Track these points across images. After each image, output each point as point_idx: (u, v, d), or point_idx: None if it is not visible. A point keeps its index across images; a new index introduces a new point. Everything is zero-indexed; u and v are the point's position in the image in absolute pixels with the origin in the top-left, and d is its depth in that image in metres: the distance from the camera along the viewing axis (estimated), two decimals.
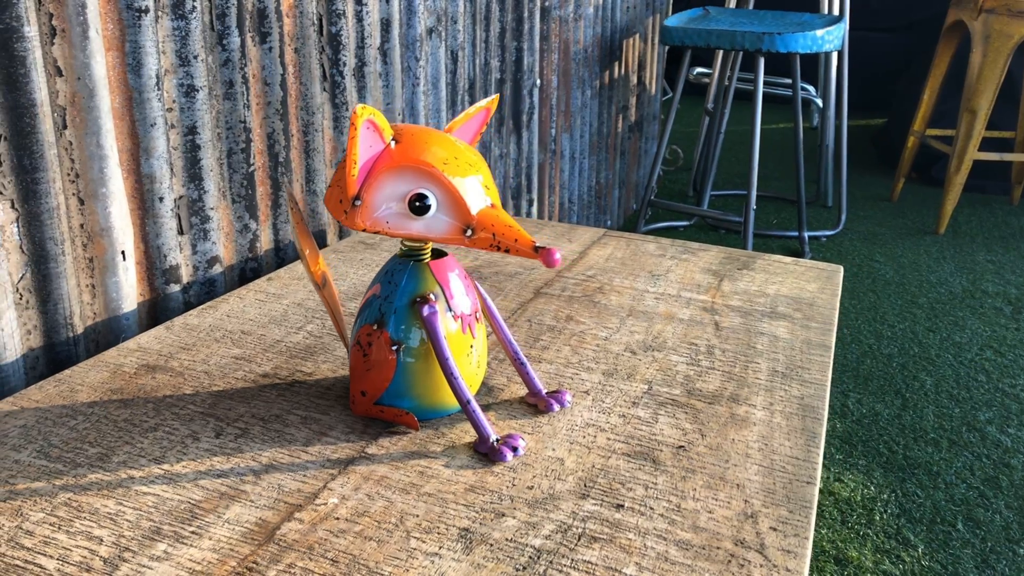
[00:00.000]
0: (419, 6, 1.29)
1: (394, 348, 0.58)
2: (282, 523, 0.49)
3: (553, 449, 0.59)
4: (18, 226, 0.75)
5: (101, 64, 0.79)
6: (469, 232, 0.55)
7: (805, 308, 0.86)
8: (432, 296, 0.59)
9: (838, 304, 0.88)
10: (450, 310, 0.59)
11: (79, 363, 0.72)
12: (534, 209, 1.85)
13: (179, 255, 0.92)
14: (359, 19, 1.16)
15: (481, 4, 1.50)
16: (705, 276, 0.94)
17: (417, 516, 0.51)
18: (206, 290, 0.96)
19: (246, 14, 0.96)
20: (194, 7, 0.89)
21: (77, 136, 0.79)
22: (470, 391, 0.59)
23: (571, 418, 0.63)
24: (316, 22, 1.07)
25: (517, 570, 0.46)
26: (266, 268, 1.04)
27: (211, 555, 0.47)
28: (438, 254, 0.62)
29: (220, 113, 0.95)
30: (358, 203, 0.55)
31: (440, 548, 0.48)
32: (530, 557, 0.47)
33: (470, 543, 0.48)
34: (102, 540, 0.48)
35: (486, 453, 0.57)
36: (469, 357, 0.60)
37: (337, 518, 0.50)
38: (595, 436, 0.61)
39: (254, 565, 0.46)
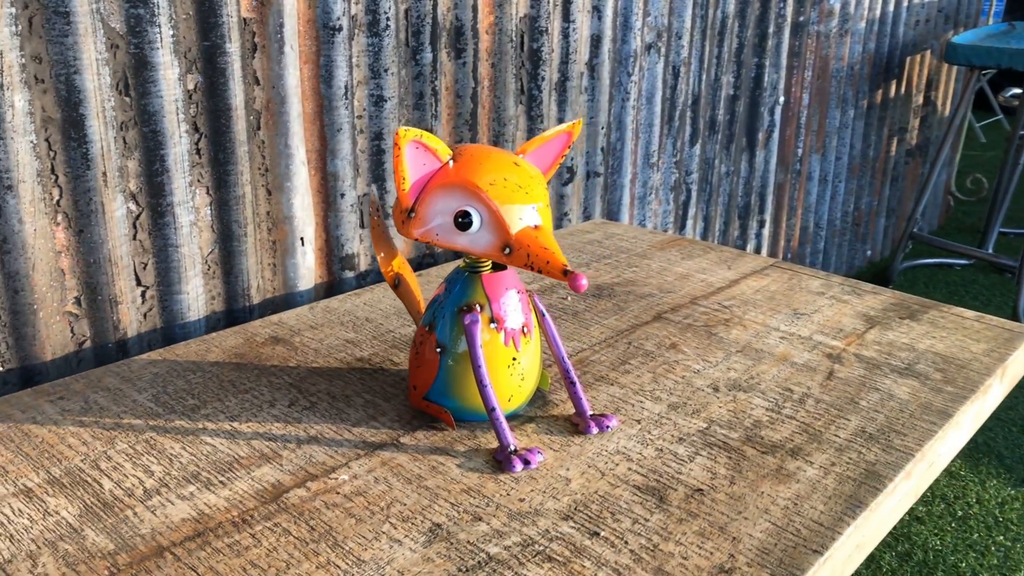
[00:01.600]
0: (636, 23, 1.31)
1: (438, 350, 0.64)
2: (292, 488, 0.57)
3: (567, 469, 0.60)
4: (211, 209, 0.89)
5: (293, 75, 0.92)
6: (507, 250, 0.59)
7: (951, 370, 0.78)
8: (477, 307, 0.63)
9: (1004, 371, 0.79)
10: (494, 322, 0.63)
11: (223, 330, 0.84)
12: (765, 231, 1.79)
13: (357, 245, 1.03)
14: (565, 35, 1.21)
15: (715, 19, 1.48)
16: (855, 321, 0.88)
17: (404, 505, 0.56)
18: (381, 278, 1.07)
19: (441, 32, 1.05)
20: (388, 26, 0.99)
21: (269, 136, 0.92)
22: (498, 400, 0.63)
23: (605, 443, 0.64)
24: (516, 39, 1.14)
25: (460, 571, 0.50)
26: (443, 263, 1.13)
27: (223, 503, 0.55)
28: (499, 268, 0.66)
29: (409, 122, 1.05)
30: (412, 215, 0.61)
31: (405, 537, 0.52)
32: (478, 562, 0.50)
33: (433, 538, 0.52)
34: (153, 474, 0.58)
35: (501, 461, 0.61)
36: (510, 369, 0.64)
37: (339, 493, 0.56)
38: (616, 464, 0.61)
39: (249, 518, 0.54)
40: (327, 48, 0.95)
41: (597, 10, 1.25)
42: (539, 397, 0.71)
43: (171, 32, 0.82)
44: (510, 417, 0.67)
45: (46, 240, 0.78)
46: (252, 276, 0.94)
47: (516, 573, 0.50)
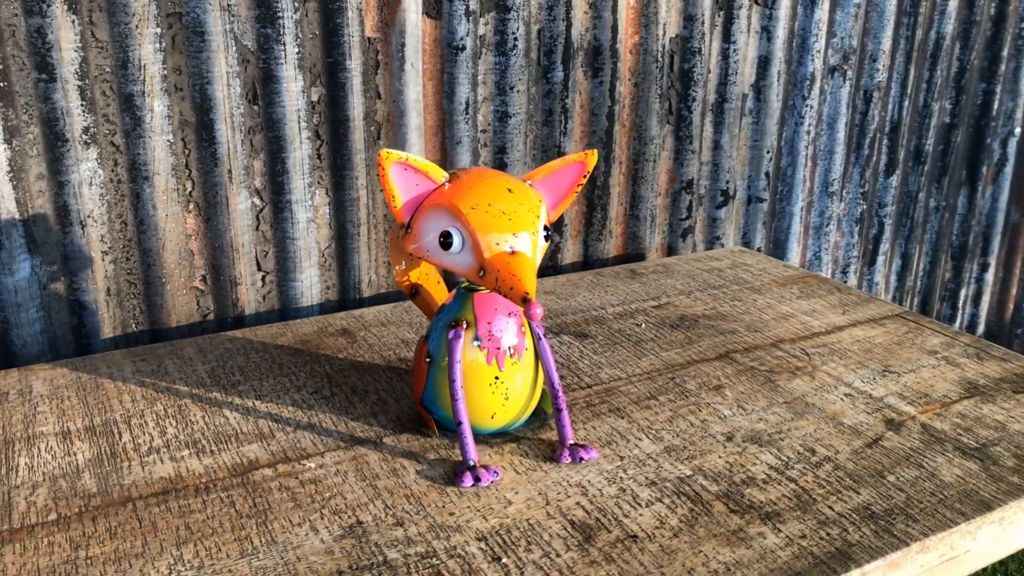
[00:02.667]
0: (816, 44, 1.24)
1: (427, 360, 0.67)
2: (263, 467, 0.63)
3: (515, 492, 0.61)
4: (329, 208, 0.99)
5: (414, 91, 0.99)
6: (482, 272, 0.61)
7: None
8: (464, 324, 0.65)
9: None
10: (477, 340, 0.65)
11: (307, 318, 0.93)
12: (989, 275, 1.59)
13: None
14: (724, 56, 1.18)
15: (925, 41, 1.35)
16: (952, 387, 0.78)
17: (344, 500, 0.60)
18: None
19: (577, 52, 1.07)
20: (515, 46, 1.03)
21: (391, 143, 1.00)
22: (479, 416, 0.65)
23: (571, 474, 0.64)
24: (663, 59, 1.13)
25: (351, 568, 0.53)
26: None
27: (200, 469, 0.63)
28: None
29: (537, 138, 1.08)
30: (408, 231, 0.65)
31: (324, 528, 0.57)
32: (371, 564, 0.54)
33: (348, 534, 0.56)
34: (165, 435, 0.67)
35: (457, 473, 0.63)
36: (492, 387, 0.65)
37: (297, 478, 0.62)
38: (568, 496, 0.61)
39: (212, 486, 0.61)
40: (450, 67, 1.01)
41: (766, 31, 1.20)
42: (540, 418, 0.71)
43: (296, 50, 0.92)
44: (497, 434, 0.69)
45: (177, 224, 0.91)
46: (364, 271, 1.03)
47: None
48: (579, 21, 1.07)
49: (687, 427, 0.71)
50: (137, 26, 0.84)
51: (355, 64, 0.96)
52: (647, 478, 0.63)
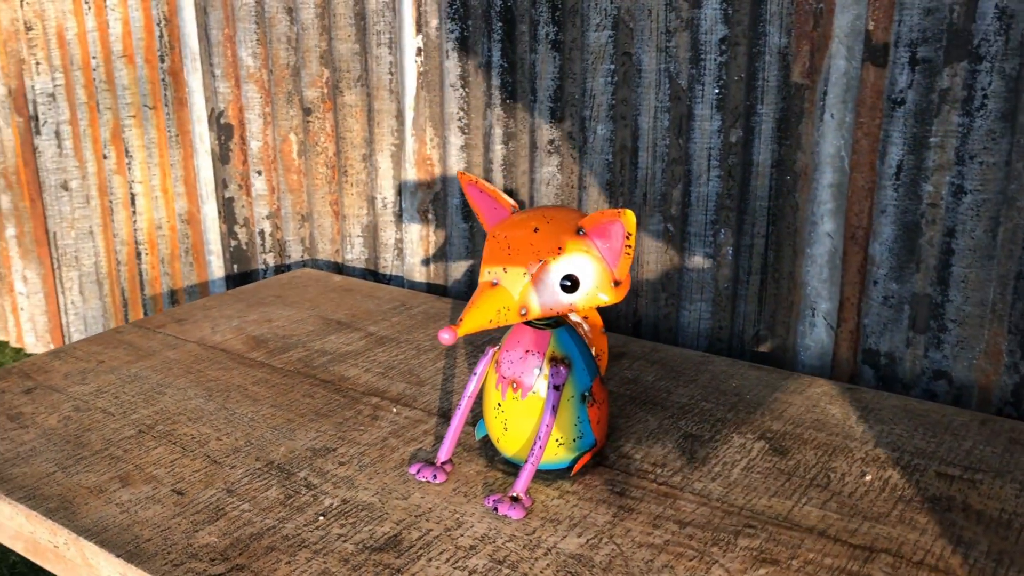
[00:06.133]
0: None
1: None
2: (322, 413, 0.81)
3: (428, 500, 0.66)
4: (731, 249, 0.98)
5: (831, 144, 0.89)
6: None
7: None
8: (496, 347, 0.69)
9: None
10: (499, 365, 0.69)
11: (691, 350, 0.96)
12: None
13: (903, 348, 0.90)
14: None
15: None
16: None
17: (323, 456, 0.74)
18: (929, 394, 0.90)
19: None
20: (983, 104, 0.81)
21: (801, 199, 0.93)
22: (463, 413, 0.69)
23: (491, 518, 0.64)
24: None
25: (278, 504, 0.70)
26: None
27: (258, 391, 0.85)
28: (550, 323, 0.68)
29: (1016, 229, 0.82)
30: None
31: (282, 467, 0.74)
32: (296, 528, 0.70)
33: (288, 480, 0.72)
34: (207, 398, 0.90)
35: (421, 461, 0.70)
36: (495, 412, 0.68)
37: (307, 447, 0.79)
38: (462, 528, 0.63)
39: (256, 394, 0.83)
40: (886, 122, 0.86)
41: None
42: (590, 473, 0.69)
43: (716, 91, 0.94)
44: (503, 461, 0.70)
45: None
46: (748, 321, 0.98)
47: (293, 529, 0.68)
48: None
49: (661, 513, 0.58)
50: (593, 63, 1.02)
51: (768, 109, 0.92)
52: (535, 558, 0.59)
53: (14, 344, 1.93)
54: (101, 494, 0.66)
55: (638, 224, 1.03)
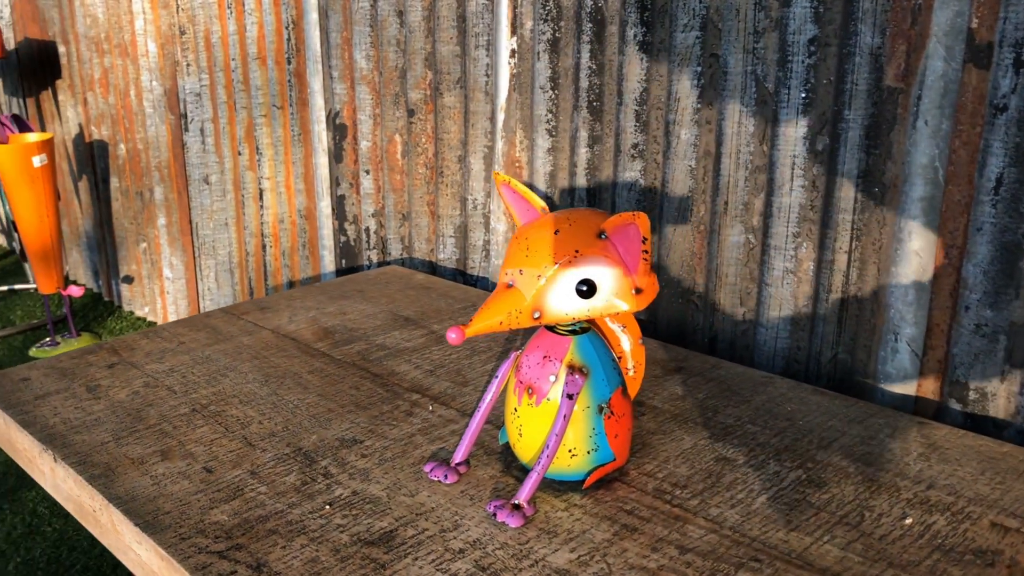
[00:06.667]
0: None
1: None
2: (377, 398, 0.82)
3: (438, 502, 0.65)
4: (812, 264, 0.92)
5: (924, 154, 0.82)
6: None
7: None
8: (517, 351, 0.68)
9: None
10: (518, 369, 0.67)
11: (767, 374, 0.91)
12: None
13: (996, 383, 0.81)
14: None
15: None
16: None
17: (350, 444, 0.75)
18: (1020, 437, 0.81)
19: None
20: None
21: (889, 214, 0.86)
22: (482, 416, 0.69)
23: (487, 523, 0.63)
24: None
25: (297, 485, 0.72)
26: None
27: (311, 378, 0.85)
28: (573, 329, 0.66)
29: None
30: None
31: (290, 472, 0.75)
32: (301, 515, 0.71)
33: (309, 465, 0.73)
34: (263, 383, 0.90)
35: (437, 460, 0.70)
36: (513, 416, 0.67)
37: (344, 439, 0.79)
38: (456, 531, 0.62)
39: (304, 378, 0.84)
40: (987, 130, 0.78)
41: None
42: (610, 486, 0.67)
43: (802, 95, 0.89)
44: (520, 467, 0.69)
45: (684, 240, 1.03)
46: (826, 343, 0.91)
47: (300, 515, 0.69)
48: None
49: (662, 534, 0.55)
50: (679, 64, 0.98)
51: (856, 115, 0.85)
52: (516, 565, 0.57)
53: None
54: (141, 466, 0.70)
55: (717, 233, 0.99)
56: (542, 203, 0.68)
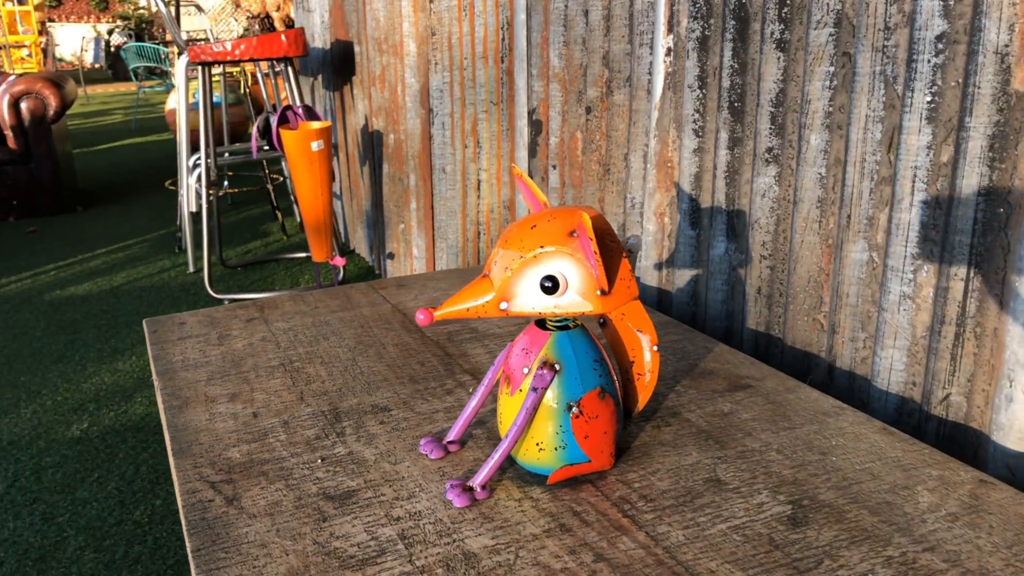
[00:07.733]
0: None
1: None
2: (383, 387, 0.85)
3: (402, 466, 0.69)
4: (933, 292, 0.81)
5: None
6: None
7: None
8: (512, 344, 0.69)
9: None
10: (507, 358, 0.68)
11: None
12: None
13: None
14: None
15: None
16: None
17: (359, 411, 0.79)
18: None
19: None
20: None
21: (1014, 238, 0.73)
22: (478, 400, 0.70)
23: (435, 497, 0.65)
24: None
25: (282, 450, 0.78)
26: None
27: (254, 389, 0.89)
28: (562, 325, 0.65)
29: None
30: None
31: (313, 427, 0.80)
32: (295, 464, 0.77)
33: (320, 436, 0.79)
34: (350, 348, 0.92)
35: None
36: (499, 403, 0.68)
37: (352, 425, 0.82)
38: (404, 502, 0.65)
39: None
40: None
41: None
42: (594, 482, 0.66)
43: (927, 99, 0.78)
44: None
45: (811, 253, 0.94)
46: (938, 381, 0.79)
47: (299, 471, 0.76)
48: None
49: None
50: (811, 64, 0.90)
51: (979, 123, 0.73)
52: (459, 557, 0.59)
53: None
54: (210, 403, 0.81)
55: (839, 248, 0.90)
56: (544, 197, 0.68)
